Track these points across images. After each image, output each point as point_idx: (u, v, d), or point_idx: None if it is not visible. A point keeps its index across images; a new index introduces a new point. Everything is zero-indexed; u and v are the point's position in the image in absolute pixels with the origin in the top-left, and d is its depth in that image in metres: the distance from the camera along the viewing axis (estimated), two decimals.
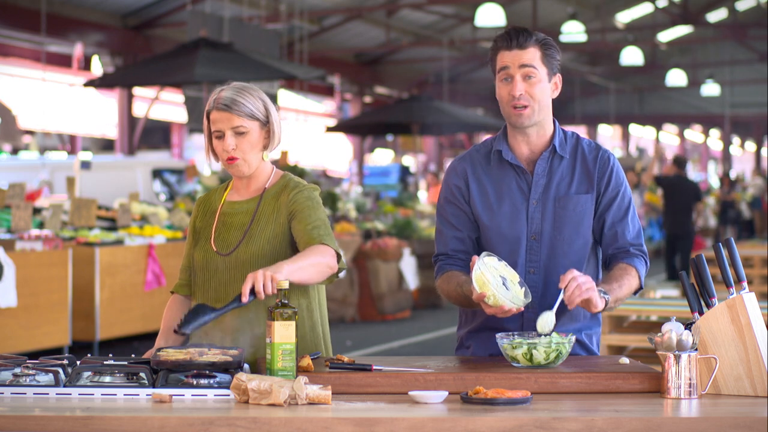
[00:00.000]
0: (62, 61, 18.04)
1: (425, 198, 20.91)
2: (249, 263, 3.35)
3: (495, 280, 3.13)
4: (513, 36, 3.32)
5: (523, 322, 3.38)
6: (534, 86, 3.32)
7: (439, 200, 3.53)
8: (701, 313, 3.05)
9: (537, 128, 3.39)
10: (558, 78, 3.39)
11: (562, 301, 3.15)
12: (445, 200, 3.50)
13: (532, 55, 3.31)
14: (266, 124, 3.41)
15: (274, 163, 14.57)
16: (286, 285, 3.00)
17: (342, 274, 3.44)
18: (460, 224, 3.46)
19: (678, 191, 15.04)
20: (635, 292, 3.41)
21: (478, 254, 3.24)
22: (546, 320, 3.17)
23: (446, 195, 3.49)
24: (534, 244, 3.38)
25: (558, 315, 3.21)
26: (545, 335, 3.15)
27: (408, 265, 13.64)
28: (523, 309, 3.17)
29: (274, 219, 3.40)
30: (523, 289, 3.20)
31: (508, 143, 3.44)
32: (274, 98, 16.39)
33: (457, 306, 3.47)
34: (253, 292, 3.05)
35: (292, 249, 3.38)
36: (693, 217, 14.99)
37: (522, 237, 3.38)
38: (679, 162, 15.53)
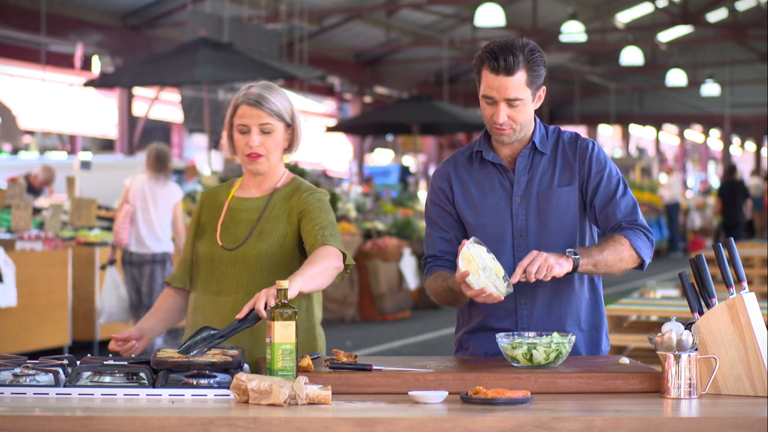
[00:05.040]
0: (62, 61, 18.03)
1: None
2: (256, 259, 3.39)
3: (481, 261, 3.14)
4: (501, 58, 3.26)
5: (517, 319, 3.39)
6: (518, 112, 3.32)
7: (426, 203, 3.57)
8: (701, 313, 3.05)
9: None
10: (542, 90, 3.37)
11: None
12: (431, 202, 3.53)
13: (518, 82, 3.27)
14: (290, 125, 3.45)
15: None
16: (285, 285, 3.00)
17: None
18: (446, 225, 3.49)
19: (732, 192, 20.51)
20: (641, 267, 3.35)
21: None
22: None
23: (432, 197, 3.53)
24: (521, 241, 3.39)
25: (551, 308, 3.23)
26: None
27: (408, 265, 13.64)
28: (502, 298, 3.17)
29: (285, 218, 3.43)
30: (506, 283, 3.20)
31: (489, 144, 3.46)
32: None
33: (445, 305, 3.47)
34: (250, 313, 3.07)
35: (300, 249, 3.42)
36: (743, 211, 20.55)
37: (507, 234, 3.40)
38: (731, 169, 21.56)
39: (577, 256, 3.21)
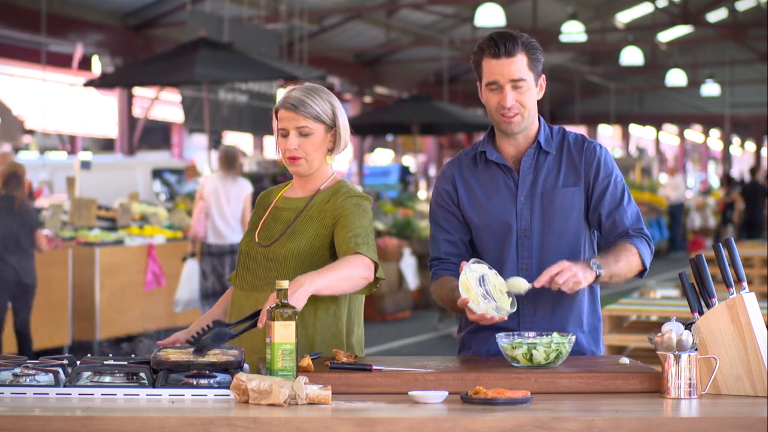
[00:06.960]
0: (62, 61, 18.03)
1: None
2: (285, 258, 3.38)
3: (478, 287, 3.15)
4: (500, 43, 3.32)
5: (520, 319, 3.40)
6: (524, 95, 3.34)
7: (430, 205, 3.57)
8: (701, 313, 3.05)
9: (524, 131, 3.42)
10: (543, 79, 3.41)
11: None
12: (436, 205, 3.53)
13: (520, 63, 3.32)
14: (332, 127, 3.43)
15: (275, 163, 14.51)
16: (285, 285, 3.00)
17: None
18: (451, 228, 3.49)
19: (754, 192, 22.12)
20: (640, 275, 3.39)
21: (471, 257, 3.26)
22: (519, 283, 3.21)
23: (436, 199, 3.53)
24: (524, 240, 3.40)
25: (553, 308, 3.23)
26: (513, 294, 3.19)
27: (408, 265, 13.64)
28: (506, 318, 3.18)
29: (319, 219, 3.41)
30: (510, 299, 3.21)
31: (494, 144, 3.48)
32: (273, 98, 16.38)
33: (452, 311, 3.48)
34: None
35: (331, 251, 3.38)
36: (764, 209, 21.58)
37: (512, 234, 3.40)
38: (752, 171, 23.41)
39: (600, 270, 3.23)
